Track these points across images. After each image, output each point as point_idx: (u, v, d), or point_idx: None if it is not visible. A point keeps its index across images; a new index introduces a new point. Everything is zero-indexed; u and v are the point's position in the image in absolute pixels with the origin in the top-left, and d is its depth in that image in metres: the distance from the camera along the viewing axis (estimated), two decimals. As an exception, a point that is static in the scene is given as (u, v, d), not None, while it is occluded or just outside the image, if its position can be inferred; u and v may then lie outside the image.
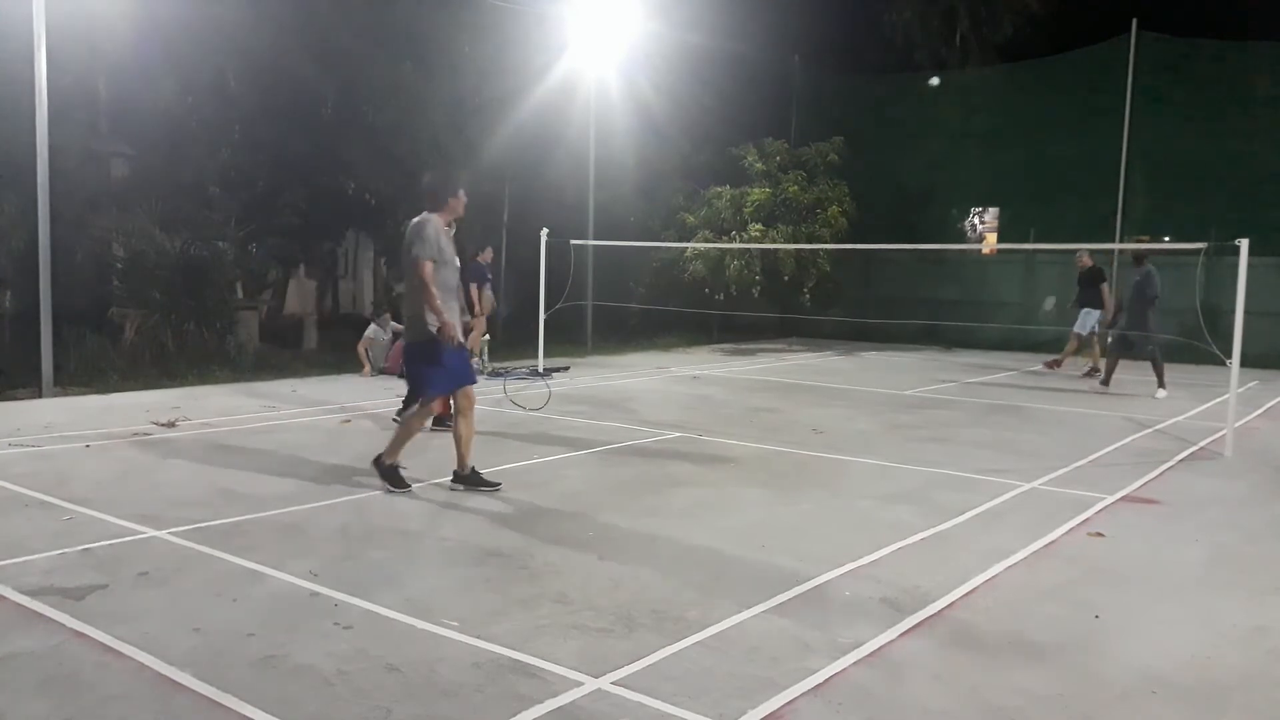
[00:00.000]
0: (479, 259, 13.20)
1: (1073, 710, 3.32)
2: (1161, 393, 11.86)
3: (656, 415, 9.50)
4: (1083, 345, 13.99)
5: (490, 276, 13.15)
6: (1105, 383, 12.44)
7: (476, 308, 13.13)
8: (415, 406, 6.78)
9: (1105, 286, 13.61)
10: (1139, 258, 12.14)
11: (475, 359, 12.69)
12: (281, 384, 11.21)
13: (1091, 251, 14.05)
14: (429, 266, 5.92)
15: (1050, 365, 14.12)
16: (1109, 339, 12.49)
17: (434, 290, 5.91)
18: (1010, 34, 23.81)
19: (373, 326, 12.69)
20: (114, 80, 12.82)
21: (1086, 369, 14.07)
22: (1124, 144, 17.70)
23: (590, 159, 16.34)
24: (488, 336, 13.14)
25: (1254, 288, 8.29)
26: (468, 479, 6.24)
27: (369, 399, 10.17)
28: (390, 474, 6.16)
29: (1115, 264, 17.53)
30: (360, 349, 12.54)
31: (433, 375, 6.14)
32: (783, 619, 4.07)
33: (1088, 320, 13.61)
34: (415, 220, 6.07)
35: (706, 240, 17.16)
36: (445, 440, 8.00)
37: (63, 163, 10.82)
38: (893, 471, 7.14)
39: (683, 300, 17.58)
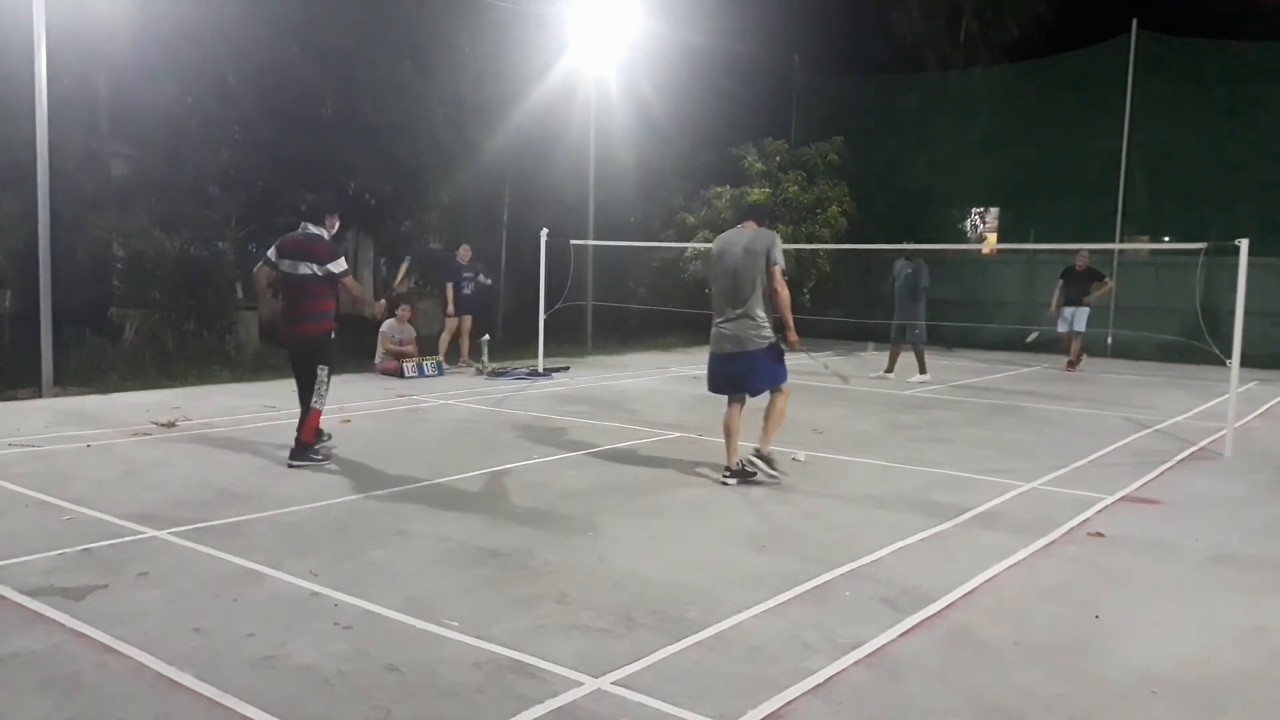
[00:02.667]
0: (457, 258, 13.24)
1: (1073, 710, 3.32)
2: (918, 378, 12.81)
3: (657, 415, 9.50)
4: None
5: (469, 275, 13.16)
6: (890, 370, 13.21)
7: (450, 306, 13.15)
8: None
9: (1106, 281, 14.62)
10: (910, 256, 13.13)
11: (444, 360, 12.69)
12: (281, 384, 11.18)
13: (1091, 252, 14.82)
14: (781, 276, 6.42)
15: (1070, 367, 14.71)
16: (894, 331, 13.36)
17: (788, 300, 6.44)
18: (1016, 36, 23.71)
19: (389, 323, 12.54)
20: (114, 80, 12.81)
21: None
22: (1124, 144, 17.68)
23: (590, 159, 16.34)
24: (487, 337, 13.14)
25: (1254, 288, 8.29)
26: (766, 459, 6.56)
27: (369, 399, 10.17)
28: (769, 461, 6.53)
29: (1115, 264, 17.54)
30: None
31: (781, 368, 6.62)
32: (783, 619, 4.07)
33: (1083, 316, 14.42)
34: (764, 230, 6.57)
35: (706, 240, 17.14)
36: (442, 443, 8.02)
37: (63, 163, 10.83)
38: (893, 471, 7.14)
39: (683, 300, 17.57)
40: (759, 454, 6.58)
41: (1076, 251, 14.69)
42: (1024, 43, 23.24)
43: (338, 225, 7.32)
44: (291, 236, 7.12)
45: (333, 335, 7.09)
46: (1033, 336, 15.20)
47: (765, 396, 6.67)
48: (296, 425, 7.03)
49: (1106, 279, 14.70)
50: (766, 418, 6.63)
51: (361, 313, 8.09)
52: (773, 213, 7.12)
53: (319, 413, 7.01)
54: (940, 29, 24.39)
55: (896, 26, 24.41)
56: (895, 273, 13.31)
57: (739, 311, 6.43)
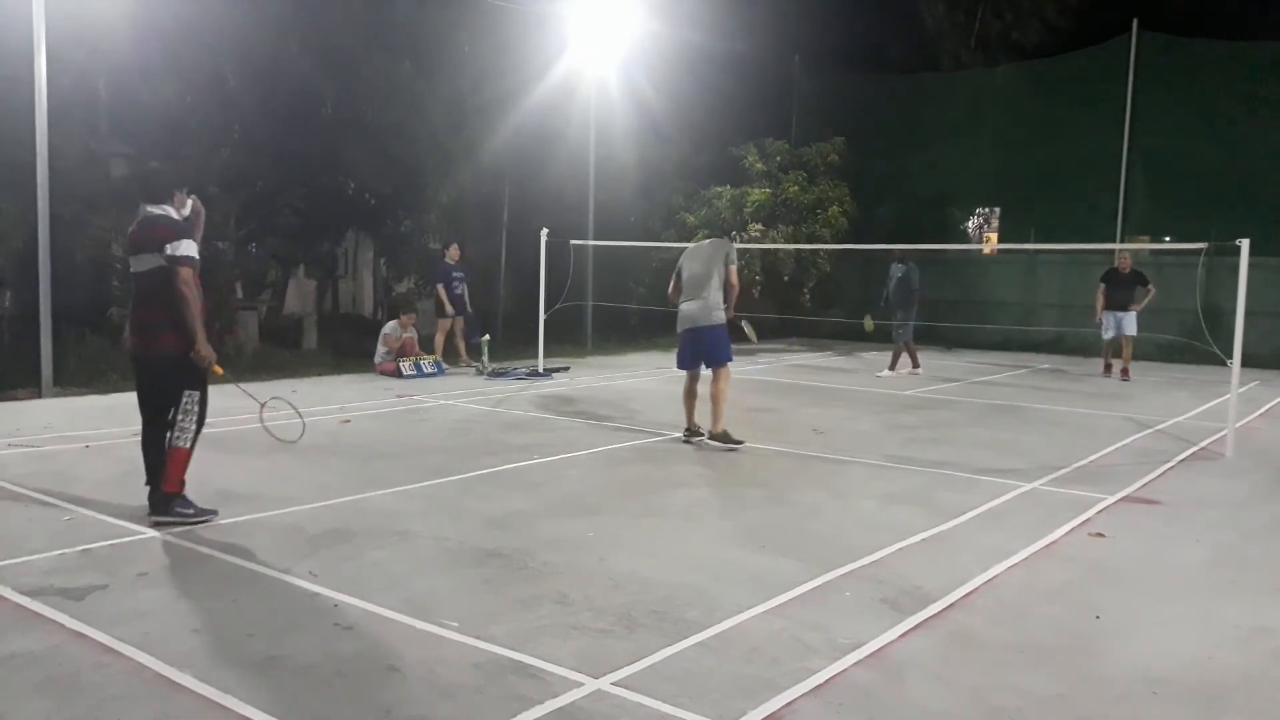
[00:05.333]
0: (446, 258, 13.21)
1: (1073, 710, 3.32)
2: (901, 371, 13.50)
3: (656, 415, 9.51)
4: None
5: (459, 275, 13.14)
6: (916, 364, 13.65)
7: (447, 307, 13.14)
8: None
9: (1150, 287, 13.56)
10: (902, 257, 13.53)
11: (437, 360, 12.63)
12: (281, 384, 11.19)
13: (1120, 252, 14.10)
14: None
15: (1121, 374, 13.65)
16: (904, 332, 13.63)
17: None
18: (1036, 41, 23.60)
19: (391, 324, 12.54)
20: (114, 80, 12.80)
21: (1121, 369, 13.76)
22: (1124, 144, 17.68)
23: (590, 159, 16.33)
24: (487, 336, 13.13)
25: (1254, 288, 8.28)
26: (720, 436, 7.80)
27: (369, 399, 10.16)
28: (728, 438, 7.77)
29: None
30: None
31: (729, 347, 8.06)
32: (783, 619, 4.06)
33: (1130, 321, 13.46)
34: (722, 239, 8.49)
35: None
36: (442, 443, 8.02)
37: (62, 163, 10.81)
38: (893, 471, 7.14)
39: (683, 301, 17.57)
40: (713, 435, 7.81)
41: (1120, 253, 13.90)
42: (1030, 47, 23.21)
43: (189, 205, 5.50)
44: (133, 226, 5.39)
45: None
46: (1110, 334, 13.83)
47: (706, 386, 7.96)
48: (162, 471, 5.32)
49: (1150, 285, 13.48)
50: (712, 400, 7.83)
51: (192, 343, 5.35)
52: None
53: (186, 452, 5.31)
54: (957, 29, 24.32)
55: (917, 25, 24.31)
56: (890, 274, 13.45)
57: (700, 296, 7.82)
